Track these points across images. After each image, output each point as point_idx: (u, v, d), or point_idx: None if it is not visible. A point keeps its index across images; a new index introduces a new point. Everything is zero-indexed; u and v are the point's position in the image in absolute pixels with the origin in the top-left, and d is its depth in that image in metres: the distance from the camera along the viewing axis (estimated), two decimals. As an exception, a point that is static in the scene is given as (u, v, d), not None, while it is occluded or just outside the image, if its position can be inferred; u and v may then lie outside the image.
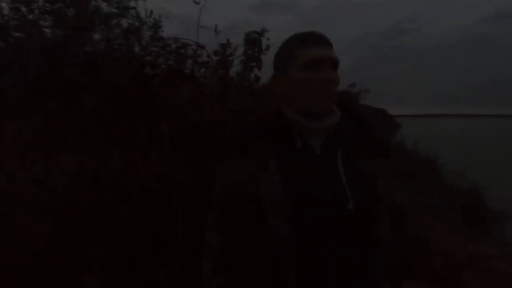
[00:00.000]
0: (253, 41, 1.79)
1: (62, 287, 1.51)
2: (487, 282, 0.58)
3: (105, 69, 1.65)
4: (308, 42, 0.73)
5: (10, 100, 1.67)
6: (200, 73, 1.92)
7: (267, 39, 1.82)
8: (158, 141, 1.69)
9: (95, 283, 1.57)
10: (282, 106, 0.78)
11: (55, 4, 2.48)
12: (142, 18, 2.35)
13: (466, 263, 0.64)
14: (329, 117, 0.75)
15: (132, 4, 2.47)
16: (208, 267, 0.75)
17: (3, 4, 2.29)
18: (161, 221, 1.74)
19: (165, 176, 1.71)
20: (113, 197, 1.56)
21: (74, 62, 1.66)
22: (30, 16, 2.42)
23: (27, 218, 1.44)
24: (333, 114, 0.77)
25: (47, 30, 2.18)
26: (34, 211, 1.45)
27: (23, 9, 2.40)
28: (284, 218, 0.66)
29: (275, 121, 0.77)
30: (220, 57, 1.83)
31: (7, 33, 2.22)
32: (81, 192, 1.49)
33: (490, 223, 5.20)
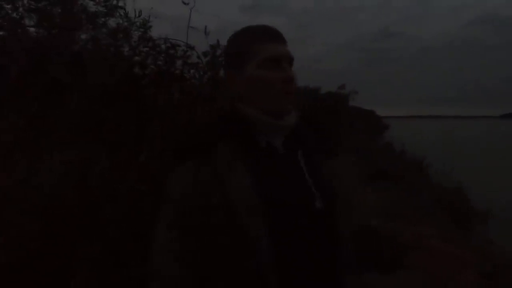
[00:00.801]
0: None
1: (50, 287, 1.48)
2: (427, 259, 0.60)
3: (91, 68, 1.63)
4: (266, 38, 0.71)
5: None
6: (189, 74, 1.92)
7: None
8: (148, 141, 1.68)
9: (84, 282, 1.54)
10: (239, 104, 0.74)
11: (40, 2, 2.42)
12: (131, 18, 2.33)
13: (408, 244, 0.65)
14: (288, 116, 0.74)
15: (120, 3, 2.44)
16: None
17: (-14, 2, 2.22)
18: (149, 222, 1.72)
19: (154, 177, 1.70)
20: (101, 197, 1.54)
21: (59, 61, 1.63)
22: (14, 14, 2.36)
23: (16, 217, 1.40)
24: (291, 114, 0.75)
25: (31, 29, 2.13)
26: (21, 211, 1.41)
27: (7, 6, 2.34)
28: (260, 224, 0.62)
29: (235, 120, 0.72)
30: (210, 58, 1.83)
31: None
32: (69, 192, 1.46)
33: (474, 222, 5.36)
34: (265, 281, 0.61)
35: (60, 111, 1.55)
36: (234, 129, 0.70)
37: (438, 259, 0.62)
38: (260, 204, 0.63)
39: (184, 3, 1.80)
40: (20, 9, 2.41)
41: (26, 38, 1.89)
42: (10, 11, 2.37)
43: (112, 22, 2.42)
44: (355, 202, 0.77)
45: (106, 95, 1.65)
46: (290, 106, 0.73)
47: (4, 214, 1.43)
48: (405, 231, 0.68)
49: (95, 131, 1.59)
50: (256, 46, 0.70)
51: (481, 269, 2.74)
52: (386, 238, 0.73)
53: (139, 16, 2.28)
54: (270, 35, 0.71)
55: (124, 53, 1.93)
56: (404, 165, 8.13)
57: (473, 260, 0.57)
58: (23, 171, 1.42)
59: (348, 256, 0.70)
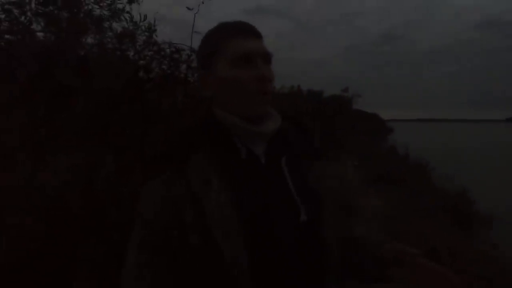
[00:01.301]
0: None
1: (52, 287, 1.50)
2: (410, 275, 0.57)
3: (97, 72, 1.65)
4: (236, 33, 0.63)
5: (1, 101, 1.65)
6: (194, 77, 1.93)
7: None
8: (152, 144, 1.69)
9: (85, 284, 1.55)
10: (214, 108, 0.66)
11: (47, 6, 2.47)
12: (137, 22, 2.36)
13: (393, 261, 0.61)
14: (269, 121, 0.66)
15: (126, 7, 2.48)
16: None
17: (-5, 7, 2.26)
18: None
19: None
20: (106, 200, 1.55)
21: (66, 66, 1.66)
22: (22, 18, 2.40)
23: (20, 218, 1.42)
24: (272, 117, 0.68)
25: (39, 33, 2.17)
26: (26, 212, 1.43)
27: (16, 11, 2.38)
28: (240, 245, 0.56)
29: (211, 126, 0.64)
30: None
31: (-1, 36, 2.20)
32: (73, 194, 1.48)
33: (478, 225, 5.31)
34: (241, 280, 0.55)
35: (66, 114, 1.57)
36: (211, 137, 0.63)
37: (421, 275, 0.59)
38: (239, 224, 0.57)
39: (188, 9, 1.82)
40: (28, 13, 2.46)
41: (34, 42, 1.93)
42: (18, 15, 2.41)
43: (117, 26, 2.46)
44: (356, 206, 0.73)
45: (111, 99, 1.67)
46: (268, 107, 0.65)
47: (5, 214, 1.44)
48: (390, 246, 0.65)
49: (101, 134, 1.61)
50: (226, 43, 0.63)
51: (481, 273, 2.72)
52: (369, 250, 0.66)
53: (144, 20, 2.32)
54: (240, 29, 0.63)
55: (130, 57, 1.96)
56: (407, 169, 8.09)
57: (457, 280, 0.55)
58: (26, 172, 1.44)
59: (335, 264, 0.66)
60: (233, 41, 0.62)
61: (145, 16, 2.33)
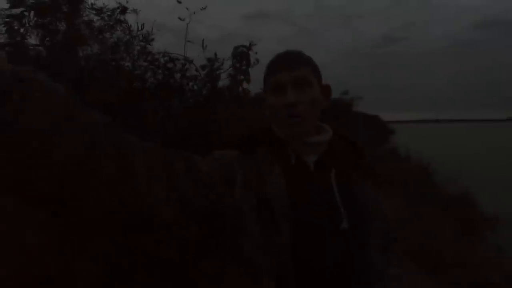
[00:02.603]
0: (241, 55, 1.82)
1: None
2: None
3: (93, 85, 1.66)
4: (272, 68, 0.76)
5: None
6: (188, 86, 1.94)
7: (256, 53, 1.85)
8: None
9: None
10: (272, 124, 0.80)
11: (45, 18, 2.49)
12: (133, 32, 2.37)
13: None
14: (318, 134, 0.77)
15: (122, 17, 2.49)
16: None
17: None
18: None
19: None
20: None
21: (62, 81, 1.66)
22: (22, 30, 2.42)
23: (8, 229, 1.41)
24: (322, 132, 0.78)
25: (35, 48, 2.18)
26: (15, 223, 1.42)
27: (16, 23, 2.40)
28: (288, 227, 0.65)
29: (268, 138, 0.77)
30: (208, 71, 1.85)
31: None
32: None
33: (482, 228, 5.24)
34: (284, 278, 0.63)
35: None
36: (269, 141, 0.75)
37: None
38: (289, 206, 0.66)
39: (180, 19, 1.83)
40: (27, 25, 2.47)
41: (28, 56, 1.94)
42: (17, 27, 2.43)
43: (115, 37, 2.47)
44: (387, 225, 0.78)
45: (106, 111, 1.67)
46: (303, 128, 0.73)
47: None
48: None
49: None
50: (267, 78, 0.77)
51: (487, 279, 2.68)
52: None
53: (142, 29, 2.33)
54: (277, 64, 0.76)
55: (125, 68, 1.96)
56: (409, 171, 8.04)
57: None
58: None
59: (377, 275, 0.71)
60: (270, 75, 0.76)
61: (143, 25, 2.34)
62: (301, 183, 0.70)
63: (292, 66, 0.74)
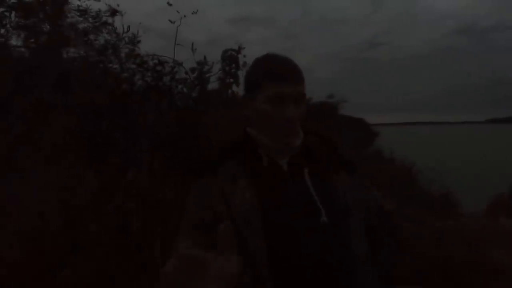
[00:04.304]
0: (230, 58, 1.83)
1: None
2: None
3: (79, 87, 1.63)
4: (273, 76, 0.75)
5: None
6: (177, 89, 1.93)
7: (244, 56, 1.87)
8: (136, 158, 1.67)
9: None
10: (249, 128, 0.81)
11: (28, 19, 2.41)
12: (119, 34, 2.34)
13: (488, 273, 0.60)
14: (294, 138, 0.77)
15: (109, 20, 2.45)
16: None
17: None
18: (138, 240, 1.70)
19: (143, 195, 1.68)
20: (87, 216, 1.51)
21: (45, 82, 1.62)
22: (2, 31, 2.33)
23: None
24: (297, 134, 0.78)
25: (18, 49, 2.11)
26: (5, 232, 1.37)
27: (-5, 24, 2.31)
28: (259, 234, 0.65)
29: (243, 142, 0.79)
30: (198, 74, 1.85)
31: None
32: (53, 211, 1.43)
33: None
34: (261, 280, 0.63)
35: (46, 130, 1.53)
36: (242, 149, 0.77)
37: None
38: (259, 216, 0.66)
39: (171, 22, 1.83)
40: (8, 26, 2.39)
41: (11, 58, 1.88)
42: (-3, 29, 2.34)
43: (101, 39, 2.43)
44: (385, 211, 0.78)
45: (94, 113, 1.65)
46: (294, 139, 0.76)
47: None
48: (485, 258, 0.64)
49: (82, 149, 1.58)
50: (265, 82, 0.75)
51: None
52: (464, 264, 0.68)
53: (128, 31, 2.30)
54: (278, 73, 0.76)
55: (112, 70, 1.94)
56: (393, 172, 8.24)
57: None
58: (6, 192, 1.39)
59: (362, 270, 0.71)
60: (270, 82, 0.75)
61: (128, 28, 2.31)
62: (275, 184, 0.71)
63: (296, 81, 0.75)
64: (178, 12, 1.85)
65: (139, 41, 2.29)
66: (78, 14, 2.51)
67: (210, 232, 0.64)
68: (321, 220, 0.68)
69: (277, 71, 0.76)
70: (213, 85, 1.93)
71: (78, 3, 2.44)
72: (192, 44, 1.84)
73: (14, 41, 2.20)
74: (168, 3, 1.89)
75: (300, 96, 0.75)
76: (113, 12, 2.28)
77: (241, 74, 1.94)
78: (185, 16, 1.86)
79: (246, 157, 0.75)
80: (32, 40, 2.32)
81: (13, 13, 2.36)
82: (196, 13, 1.83)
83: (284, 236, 0.67)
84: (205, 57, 1.87)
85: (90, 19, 2.52)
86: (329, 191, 0.73)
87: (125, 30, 2.31)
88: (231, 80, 1.89)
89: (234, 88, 1.92)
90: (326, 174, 0.76)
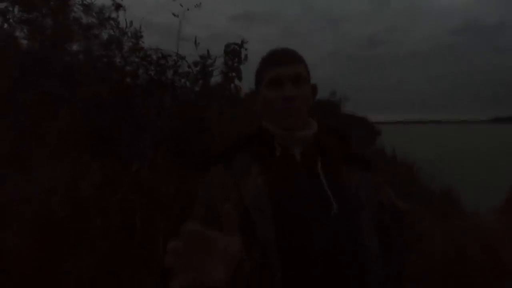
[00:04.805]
0: (233, 52, 1.84)
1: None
2: None
3: (84, 80, 1.64)
4: (269, 62, 0.78)
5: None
6: (180, 83, 1.94)
7: (245, 49, 1.87)
8: (140, 151, 1.68)
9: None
10: (262, 121, 0.82)
11: (31, 13, 2.43)
12: (123, 28, 2.35)
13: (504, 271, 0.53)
14: (306, 129, 0.78)
15: (112, 14, 2.46)
16: None
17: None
18: (142, 233, 1.71)
19: (147, 188, 1.69)
20: (92, 208, 1.52)
21: (52, 74, 1.63)
22: (5, 26, 2.35)
23: (3, 231, 1.38)
24: (309, 127, 0.80)
25: (24, 41, 2.13)
26: (10, 224, 1.39)
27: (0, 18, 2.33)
28: (269, 221, 0.66)
29: (257, 134, 0.80)
30: (201, 68, 1.86)
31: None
32: (58, 203, 1.45)
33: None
34: (270, 277, 0.63)
35: (52, 123, 1.55)
36: (255, 141, 0.78)
37: None
38: (268, 202, 0.67)
39: (174, 15, 1.84)
40: (11, 20, 2.41)
41: (17, 51, 1.89)
42: (0, 23, 2.36)
43: (104, 34, 2.44)
44: (400, 211, 0.77)
45: (98, 106, 1.66)
46: (297, 121, 0.76)
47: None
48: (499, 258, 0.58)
49: (87, 143, 1.59)
50: (265, 71, 0.78)
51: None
52: (477, 264, 0.63)
53: (130, 26, 2.31)
54: (272, 59, 0.78)
55: (116, 64, 1.95)
56: (395, 170, 8.24)
57: None
58: (13, 185, 1.40)
59: (374, 265, 0.70)
60: (267, 69, 0.77)
61: (131, 22, 2.33)
62: (287, 174, 0.72)
63: (291, 62, 0.76)
64: (181, 5, 1.86)
65: (141, 36, 2.30)
66: (82, 9, 2.52)
67: (221, 218, 0.67)
68: (332, 211, 0.68)
69: (272, 58, 0.78)
70: (215, 79, 1.95)
71: (81, -3, 2.45)
72: (195, 38, 1.85)
73: (19, 35, 2.21)
74: (171, -4, 1.89)
75: (298, 76, 0.75)
76: (117, 7, 2.30)
77: (243, 69, 1.96)
78: (188, 9, 1.87)
79: (260, 149, 0.76)
80: (35, 35, 2.33)
81: (16, 7, 2.38)
82: (199, 5, 1.83)
83: (293, 225, 0.66)
84: (208, 51, 1.88)
85: (94, 13, 2.54)
86: (340, 184, 0.73)
87: (128, 25, 2.32)
88: (234, 74, 1.89)
89: (237, 82, 1.93)
90: (338, 167, 0.76)
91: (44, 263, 1.51)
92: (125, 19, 2.31)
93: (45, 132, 1.50)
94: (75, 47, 2.24)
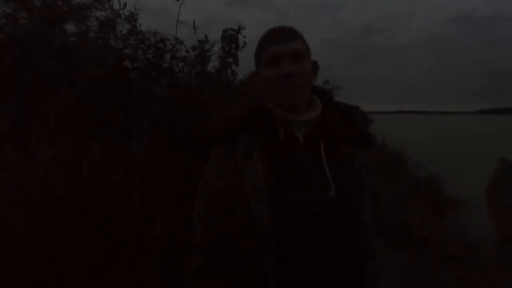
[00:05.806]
0: (230, 38, 1.84)
1: (41, 282, 1.49)
2: None
3: (82, 61, 1.63)
4: (266, 41, 0.76)
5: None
6: (178, 67, 1.94)
7: (244, 36, 1.88)
8: (138, 133, 1.70)
9: (75, 276, 1.56)
10: (265, 100, 0.80)
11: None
12: (117, 10, 2.30)
13: None
14: (310, 111, 0.77)
15: (105, -5, 2.40)
16: (196, 263, 0.76)
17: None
18: (140, 213, 1.76)
19: (144, 170, 1.72)
20: (92, 189, 1.55)
21: (49, 54, 1.61)
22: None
23: (4, 211, 1.41)
24: (314, 107, 0.78)
25: (21, 20, 2.07)
26: (11, 204, 1.42)
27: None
28: (265, 207, 0.67)
29: (260, 115, 0.78)
30: (198, 52, 1.87)
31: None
32: (58, 183, 1.47)
33: (448, 208, 5.70)
34: (264, 259, 0.66)
35: (51, 103, 1.55)
36: (258, 123, 0.77)
37: None
38: (266, 187, 0.68)
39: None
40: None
41: (17, 29, 1.85)
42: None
43: (98, 15, 2.39)
44: (375, 190, 0.80)
45: (96, 88, 1.66)
46: (298, 98, 0.74)
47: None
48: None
49: (86, 123, 1.60)
50: (263, 49, 0.77)
51: (449, 250, 2.97)
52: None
53: (124, 8, 2.27)
54: (270, 37, 0.76)
55: (112, 46, 1.93)
56: (385, 157, 8.44)
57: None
58: (13, 164, 1.42)
59: (369, 241, 0.72)
60: (266, 47, 0.75)
61: (125, 4, 2.28)
62: (289, 157, 0.71)
63: (289, 39, 0.75)
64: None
65: (136, 19, 2.26)
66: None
67: (224, 200, 0.72)
68: (329, 194, 0.68)
69: (269, 37, 0.77)
70: (213, 64, 1.95)
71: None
72: (194, 22, 1.85)
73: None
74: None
75: (297, 52, 0.74)
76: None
77: (241, 54, 1.97)
78: (187, -7, 1.85)
79: (262, 129, 0.75)
80: (23, 14, 2.26)
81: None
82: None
83: (290, 211, 0.67)
84: (206, 36, 1.88)
85: (85, -6, 2.47)
86: (343, 166, 0.73)
87: (121, 7, 2.27)
88: (231, 60, 1.90)
89: (234, 67, 1.94)
90: (342, 148, 0.76)
91: (45, 241, 1.55)
92: (119, 1, 2.26)
93: (45, 112, 1.50)
94: (70, 27, 2.19)
